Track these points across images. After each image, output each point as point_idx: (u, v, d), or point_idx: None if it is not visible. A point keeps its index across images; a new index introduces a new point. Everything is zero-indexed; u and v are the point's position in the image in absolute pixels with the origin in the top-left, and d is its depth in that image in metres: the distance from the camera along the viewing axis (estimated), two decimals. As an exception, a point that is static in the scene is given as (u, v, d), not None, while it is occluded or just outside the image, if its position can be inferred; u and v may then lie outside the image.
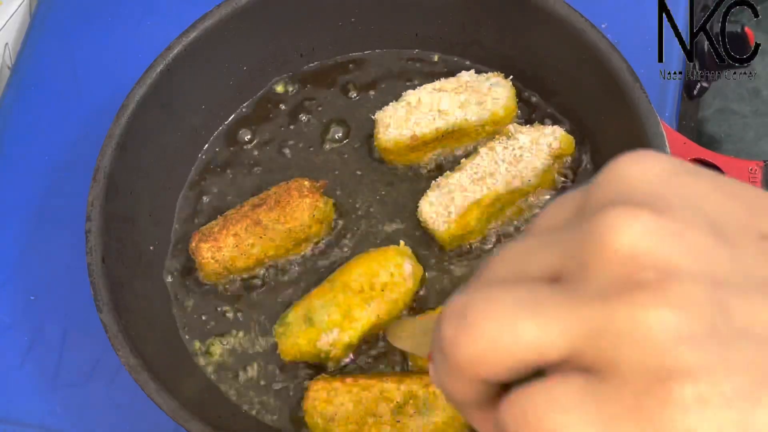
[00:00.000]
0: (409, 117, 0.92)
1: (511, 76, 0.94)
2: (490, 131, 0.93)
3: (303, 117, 1.00)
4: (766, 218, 0.35)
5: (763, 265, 0.33)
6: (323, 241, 0.93)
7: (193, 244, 0.89)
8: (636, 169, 0.36)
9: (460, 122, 0.91)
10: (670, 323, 0.31)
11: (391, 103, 0.94)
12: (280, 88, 1.01)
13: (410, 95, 0.93)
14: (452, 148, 0.94)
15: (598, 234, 0.34)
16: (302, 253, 0.92)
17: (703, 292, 0.32)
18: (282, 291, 0.92)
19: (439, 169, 0.94)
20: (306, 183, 0.91)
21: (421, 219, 0.88)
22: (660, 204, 0.34)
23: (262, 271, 0.92)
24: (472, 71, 0.94)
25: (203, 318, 0.92)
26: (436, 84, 0.94)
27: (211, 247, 0.88)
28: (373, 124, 0.94)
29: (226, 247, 0.89)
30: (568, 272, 0.35)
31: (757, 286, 0.32)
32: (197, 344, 0.90)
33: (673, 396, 0.30)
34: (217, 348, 0.90)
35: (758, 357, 0.31)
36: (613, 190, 0.35)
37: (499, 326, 0.34)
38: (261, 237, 0.89)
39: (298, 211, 0.89)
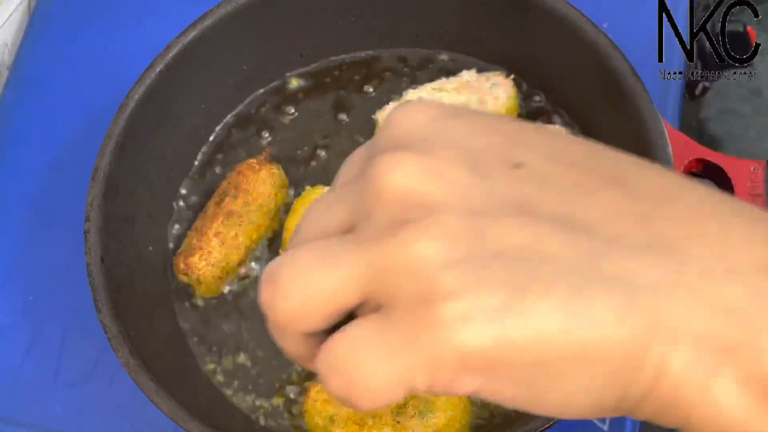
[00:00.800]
0: None
1: (512, 76, 0.94)
2: None
3: (303, 117, 0.99)
4: (519, 148, 0.38)
5: (512, 191, 0.36)
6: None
7: (182, 265, 0.89)
8: (405, 117, 0.39)
9: None
10: (431, 252, 0.34)
11: (391, 103, 0.94)
12: (280, 88, 1.01)
13: (410, 94, 0.93)
14: None
15: (372, 182, 0.37)
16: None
17: (461, 222, 0.35)
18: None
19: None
20: (252, 160, 0.94)
21: None
22: (423, 146, 0.37)
23: (255, 267, 0.92)
24: (474, 71, 0.94)
25: (203, 318, 0.91)
26: (437, 83, 0.94)
27: (201, 256, 0.89)
28: (373, 124, 0.94)
29: (215, 249, 0.89)
30: (356, 222, 0.38)
31: (508, 211, 0.35)
32: (197, 344, 0.90)
33: (438, 317, 0.33)
34: (218, 348, 0.90)
35: (510, 274, 0.34)
36: (385, 138, 0.39)
37: (301, 283, 0.37)
38: (240, 225, 0.90)
39: (260, 186, 0.91)
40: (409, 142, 0.37)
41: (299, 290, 0.37)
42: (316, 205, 0.41)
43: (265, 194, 0.92)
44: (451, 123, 0.39)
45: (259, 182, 0.92)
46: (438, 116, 0.39)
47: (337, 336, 0.36)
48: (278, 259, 0.39)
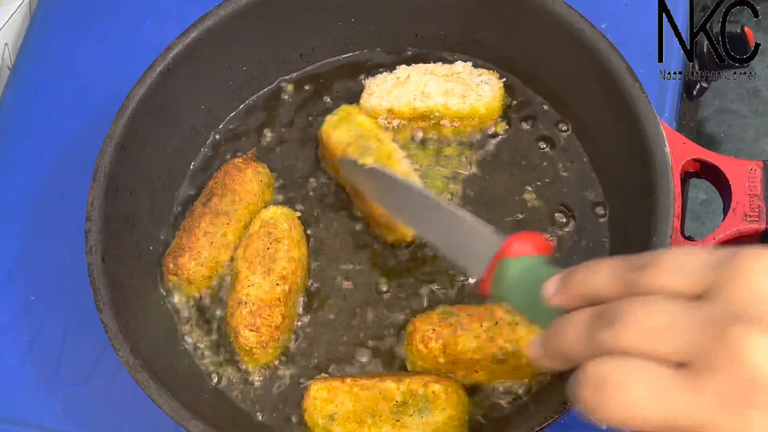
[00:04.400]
0: (393, 90, 0.94)
1: (504, 79, 0.95)
2: (467, 127, 0.94)
3: (303, 117, 1.00)
4: None
5: None
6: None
7: (171, 266, 0.89)
8: (765, 282, 0.45)
9: (439, 108, 0.93)
10: None
11: (384, 73, 0.96)
12: (280, 89, 1.01)
13: (402, 70, 0.95)
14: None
15: (728, 348, 0.43)
16: None
17: None
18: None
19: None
20: (238, 160, 0.94)
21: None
22: None
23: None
24: (469, 63, 0.95)
25: (203, 317, 0.92)
26: (429, 66, 0.96)
27: (190, 256, 0.89)
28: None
29: (203, 248, 0.89)
30: (696, 365, 0.44)
31: None
32: (197, 344, 0.91)
33: None
34: (217, 347, 0.90)
35: None
36: (743, 300, 0.45)
37: (629, 407, 0.45)
38: (228, 224, 0.90)
39: (247, 184, 0.92)
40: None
41: (625, 412, 0.45)
42: (650, 312, 0.48)
43: (252, 192, 0.92)
44: None
45: (246, 181, 0.92)
46: None
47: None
48: (605, 365, 0.47)
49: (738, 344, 0.43)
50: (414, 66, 0.96)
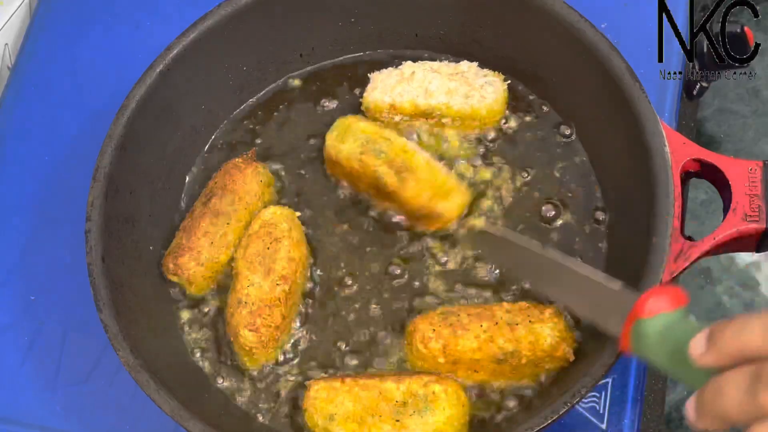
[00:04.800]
0: (397, 86, 0.94)
1: (509, 82, 0.95)
2: (468, 128, 0.94)
3: (304, 116, 1.00)
4: None
5: None
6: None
7: (171, 266, 0.89)
8: None
9: (441, 107, 0.93)
10: None
11: (389, 68, 0.96)
12: (280, 88, 1.01)
13: (407, 66, 0.95)
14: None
15: None
16: None
17: None
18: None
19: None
20: (237, 160, 0.94)
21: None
22: None
23: None
24: (474, 63, 0.95)
25: (203, 317, 0.92)
26: (435, 64, 0.96)
27: (191, 257, 0.89)
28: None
29: (203, 248, 0.89)
30: None
31: None
32: (197, 344, 0.91)
33: None
34: (217, 347, 0.90)
35: None
36: None
37: None
38: (228, 223, 0.90)
39: (247, 184, 0.92)
40: None
41: None
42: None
43: (252, 192, 0.92)
44: None
45: (246, 181, 0.92)
46: None
47: None
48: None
49: None
50: (420, 63, 0.96)
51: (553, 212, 0.91)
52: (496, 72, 0.95)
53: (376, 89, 0.95)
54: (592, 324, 0.73)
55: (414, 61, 0.97)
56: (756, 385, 0.50)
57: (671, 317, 0.62)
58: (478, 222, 0.88)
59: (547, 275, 0.78)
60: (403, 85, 0.94)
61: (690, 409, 0.56)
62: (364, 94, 0.95)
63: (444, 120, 0.94)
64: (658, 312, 0.62)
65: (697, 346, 0.57)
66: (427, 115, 0.94)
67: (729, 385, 0.53)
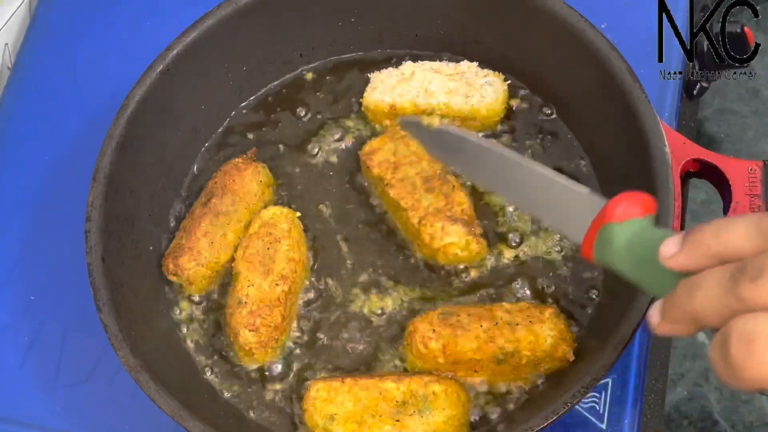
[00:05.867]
0: (397, 86, 0.94)
1: (509, 81, 0.95)
2: (468, 128, 0.94)
3: (303, 117, 1.00)
4: None
5: None
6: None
7: (171, 266, 0.89)
8: None
9: (441, 106, 0.93)
10: None
11: (390, 68, 0.96)
12: (279, 88, 1.01)
13: (407, 66, 0.96)
14: None
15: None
16: None
17: None
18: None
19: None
20: (237, 160, 0.94)
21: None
22: None
23: None
24: (474, 63, 0.95)
25: (202, 317, 0.92)
26: (435, 64, 0.96)
27: (190, 257, 0.89)
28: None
29: (203, 248, 0.89)
30: None
31: None
32: (197, 344, 0.91)
33: None
34: (216, 347, 0.90)
35: None
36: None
37: None
38: (228, 224, 0.90)
39: (246, 184, 0.92)
40: None
41: None
42: None
43: (252, 193, 0.92)
44: None
45: (246, 181, 0.92)
46: None
47: None
48: (755, 321, 0.46)
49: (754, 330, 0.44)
50: (420, 63, 0.96)
51: None
52: (496, 72, 0.95)
53: (376, 89, 0.95)
54: (555, 230, 0.69)
55: (414, 61, 0.97)
56: (737, 280, 0.48)
57: (641, 223, 0.59)
58: (435, 120, 0.82)
59: (509, 178, 0.73)
60: (403, 85, 0.94)
61: (654, 312, 0.54)
62: (364, 94, 0.96)
63: (444, 120, 0.94)
64: (630, 217, 0.59)
65: (669, 247, 0.54)
66: (428, 115, 0.94)
67: (706, 280, 0.50)
